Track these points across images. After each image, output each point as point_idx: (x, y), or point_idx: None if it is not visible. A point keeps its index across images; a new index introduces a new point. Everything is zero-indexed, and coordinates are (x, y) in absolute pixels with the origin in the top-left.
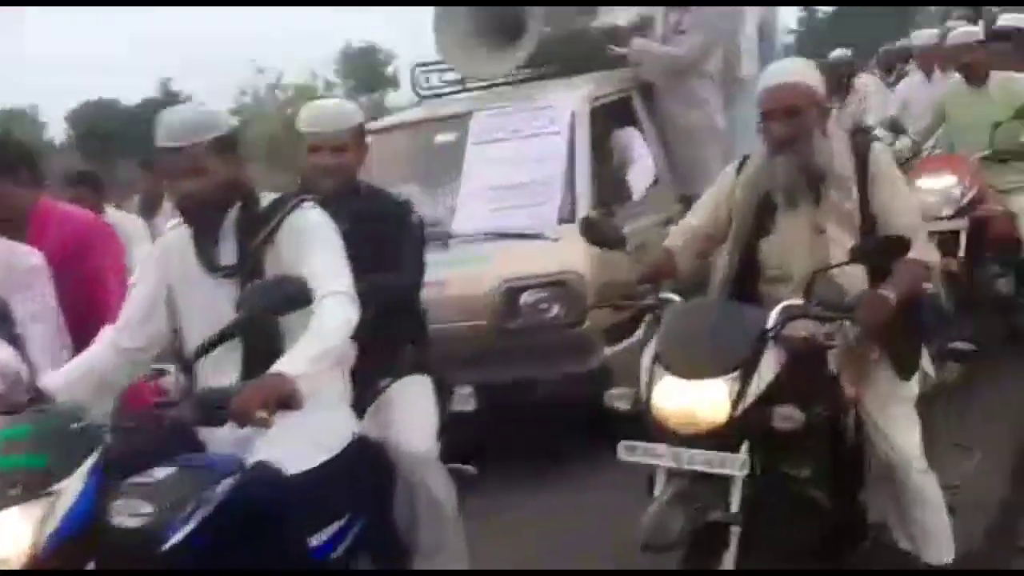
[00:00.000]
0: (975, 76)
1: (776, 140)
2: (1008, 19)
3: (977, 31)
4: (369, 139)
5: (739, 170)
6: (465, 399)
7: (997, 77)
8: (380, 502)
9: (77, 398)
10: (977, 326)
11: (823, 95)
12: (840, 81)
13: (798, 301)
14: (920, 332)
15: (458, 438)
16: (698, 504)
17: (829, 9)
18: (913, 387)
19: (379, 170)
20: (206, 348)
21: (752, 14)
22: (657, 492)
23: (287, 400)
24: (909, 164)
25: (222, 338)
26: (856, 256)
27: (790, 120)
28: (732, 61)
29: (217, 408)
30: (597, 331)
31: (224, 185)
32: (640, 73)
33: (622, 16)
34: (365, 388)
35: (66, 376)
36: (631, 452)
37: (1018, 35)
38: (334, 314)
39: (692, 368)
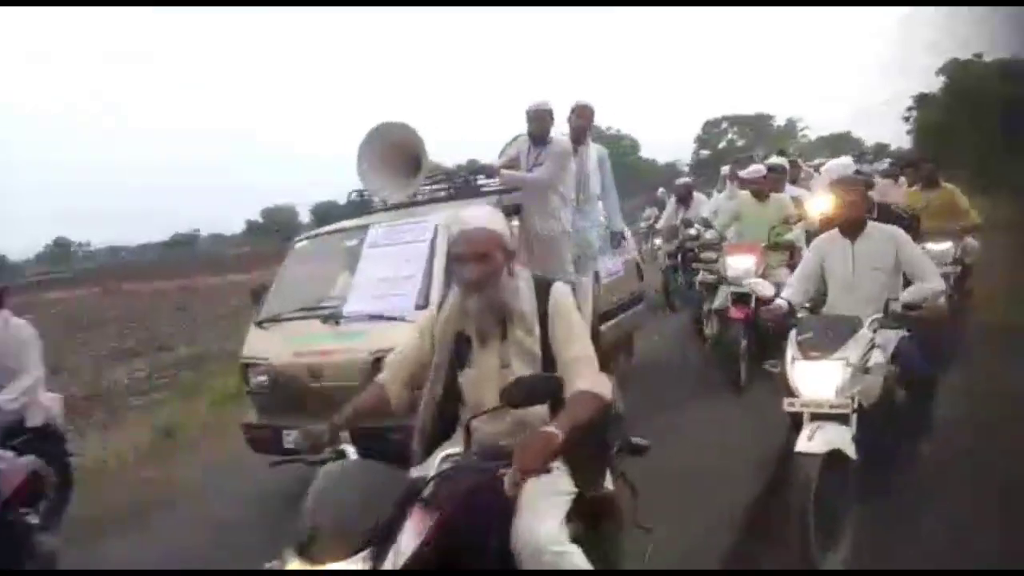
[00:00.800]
0: (760, 195)
1: (467, 282)
2: (774, 160)
3: (762, 168)
4: (307, 243)
5: (440, 306)
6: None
7: (774, 196)
8: None
9: None
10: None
11: (508, 239)
12: (686, 194)
13: (458, 449)
14: (606, 450)
15: None
16: None
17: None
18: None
19: (311, 264)
20: None
21: (593, 151)
22: None
23: None
24: (718, 247)
25: None
26: (505, 399)
27: (479, 264)
28: (584, 183)
29: None
30: None
31: None
32: (515, 197)
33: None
34: None
35: None
36: None
37: (783, 169)
38: None
39: (321, 550)
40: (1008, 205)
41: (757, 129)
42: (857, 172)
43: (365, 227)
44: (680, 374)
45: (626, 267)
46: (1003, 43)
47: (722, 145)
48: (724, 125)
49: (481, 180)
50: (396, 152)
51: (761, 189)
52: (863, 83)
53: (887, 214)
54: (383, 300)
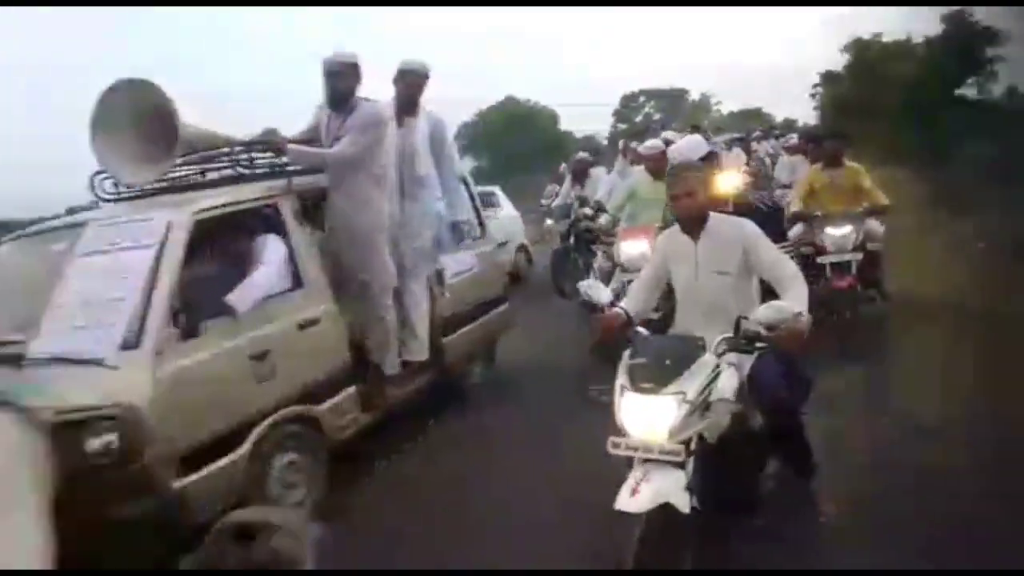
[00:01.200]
0: (658, 172)
1: None
2: (671, 134)
3: (660, 143)
4: (7, 248)
5: None
6: None
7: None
8: None
9: None
10: None
11: None
12: (582, 171)
13: None
14: None
15: None
16: None
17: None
18: None
19: (10, 279)
20: None
21: (424, 124)
22: None
23: None
24: (612, 232)
25: None
26: None
27: None
28: (411, 160)
29: None
30: (164, 463)
31: None
32: (310, 182)
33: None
34: None
35: None
36: None
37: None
38: None
39: None
40: (912, 182)
41: (673, 103)
42: (710, 155)
43: (82, 225)
44: (567, 371)
45: (482, 261)
46: (902, 24)
47: (639, 119)
48: (642, 99)
49: (264, 157)
50: (148, 121)
51: (658, 166)
52: (777, 59)
53: (744, 204)
54: (80, 334)
